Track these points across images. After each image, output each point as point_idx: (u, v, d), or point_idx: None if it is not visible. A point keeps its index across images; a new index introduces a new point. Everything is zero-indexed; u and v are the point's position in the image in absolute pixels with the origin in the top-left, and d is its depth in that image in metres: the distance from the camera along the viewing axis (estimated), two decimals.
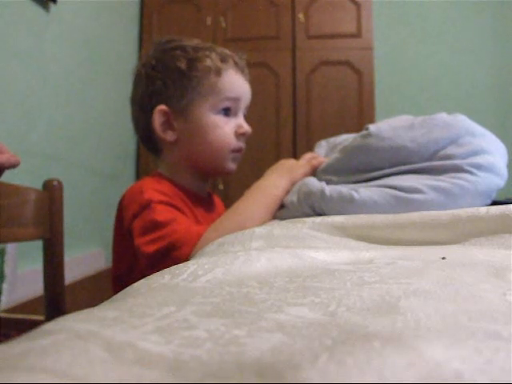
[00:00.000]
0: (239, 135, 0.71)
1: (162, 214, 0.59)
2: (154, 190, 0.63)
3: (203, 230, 0.59)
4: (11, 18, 1.35)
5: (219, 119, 0.68)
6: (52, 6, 1.56)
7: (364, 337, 0.14)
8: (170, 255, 0.57)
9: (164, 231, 0.58)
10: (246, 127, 0.71)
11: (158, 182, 0.67)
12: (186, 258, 0.55)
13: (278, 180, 0.65)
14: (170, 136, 0.68)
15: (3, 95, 1.32)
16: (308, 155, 0.72)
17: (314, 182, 0.59)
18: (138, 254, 0.60)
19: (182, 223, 0.60)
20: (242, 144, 0.72)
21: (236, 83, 0.70)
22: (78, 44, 1.79)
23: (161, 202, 0.61)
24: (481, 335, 0.14)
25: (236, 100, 0.70)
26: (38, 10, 1.49)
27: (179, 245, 0.57)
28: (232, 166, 0.72)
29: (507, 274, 0.22)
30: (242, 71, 0.72)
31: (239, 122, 0.71)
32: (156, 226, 0.59)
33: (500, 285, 0.20)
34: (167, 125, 0.68)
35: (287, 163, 0.72)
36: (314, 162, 0.68)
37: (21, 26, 1.40)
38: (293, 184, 0.64)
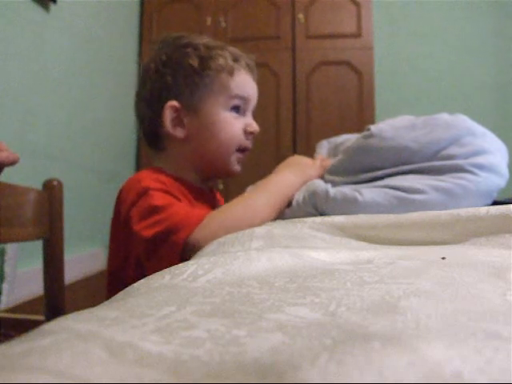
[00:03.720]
0: (248, 134, 0.71)
1: (159, 199, 0.59)
2: (151, 179, 0.63)
3: (204, 213, 0.59)
4: (11, 17, 1.35)
5: (231, 116, 0.69)
6: (52, 5, 1.56)
7: (364, 337, 0.14)
8: (168, 239, 0.56)
9: (162, 215, 0.57)
10: (255, 126, 0.71)
11: (156, 173, 0.67)
12: (185, 242, 0.55)
13: (290, 177, 0.65)
14: (179, 132, 0.68)
15: (3, 95, 1.32)
16: (320, 157, 0.72)
17: (319, 183, 0.59)
18: (135, 242, 0.59)
19: (181, 207, 0.59)
20: (249, 144, 0.72)
21: (247, 83, 0.70)
22: (78, 44, 1.79)
23: (158, 189, 0.61)
24: (481, 335, 0.14)
25: (246, 99, 0.70)
26: (38, 10, 1.49)
27: (178, 228, 0.56)
28: (237, 167, 0.72)
29: (507, 274, 0.22)
30: (252, 72, 0.72)
31: (248, 121, 0.71)
32: (154, 210, 0.58)
33: (500, 285, 0.20)
34: (177, 121, 0.68)
35: (302, 161, 0.71)
36: (325, 164, 0.68)
37: (21, 25, 1.40)
38: (304, 183, 0.64)
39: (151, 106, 0.69)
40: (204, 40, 0.71)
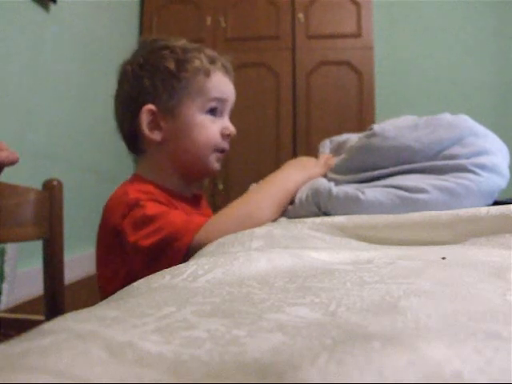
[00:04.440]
0: (225, 136, 0.71)
1: (152, 209, 0.59)
2: (137, 190, 0.63)
3: (203, 220, 0.59)
4: (11, 17, 1.35)
5: (206, 119, 0.69)
6: (52, 5, 1.56)
7: (364, 337, 0.14)
8: (171, 246, 0.56)
9: (159, 223, 0.57)
10: (232, 128, 0.72)
11: (140, 184, 0.67)
12: (189, 246, 0.55)
13: (293, 175, 0.66)
14: (156, 135, 0.68)
15: (3, 95, 1.32)
16: (325, 156, 0.73)
17: (322, 182, 0.60)
18: (131, 254, 0.59)
19: (177, 216, 0.60)
20: (226, 145, 0.72)
21: (223, 85, 0.71)
22: (78, 44, 1.79)
23: (148, 200, 0.61)
24: (481, 335, 0.14)
25: (223, 101, 0.70)
26: (38, 9, 1.49)
27: (180, 235, 0.56)
28: (216, 165, 0.72)
29: (507, 274, 0.22)
30: (229, 74, 0.73)
31: (225, 124, 0.71)
32: (149, 219, 0.58)
33: (500, 285, 0.20)
34: (154, 124, 0.68)
35: (306, 161, 0.72)
36: (330, 163, 0.68)
37: (21, 25, 1.40)
38: (308, 180, 0.65)
39: (129, 110, 0.69)
40: (181, 42, 0.71)
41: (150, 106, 0.67)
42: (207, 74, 0.68)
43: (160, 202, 0.62)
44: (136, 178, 0.70)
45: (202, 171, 0.73)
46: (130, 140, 0.72)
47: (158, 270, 0.58)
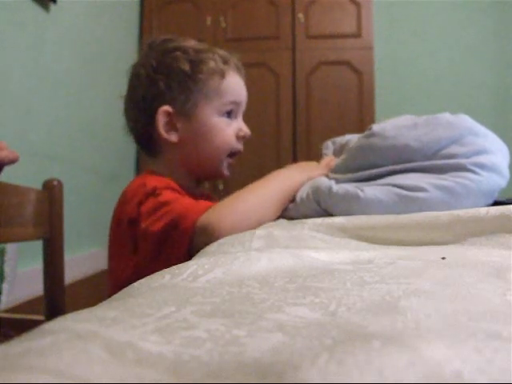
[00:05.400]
0: (240, 138, 0.72)
1: (166, 196, 0.60)
2: (155, 180, 0.64)
3: (210, 204, 0.59)
4: (11, 17, 1.35)
5: (223, 121, 0.70)
6: (52, 5, 1.56)
7: (364, 337, 0.14)
8: (178, 227, 0.56)
9: (168, 208, 0.58)
10: (246, 130, 0.73)
11: (158, 176, 0.67)
12: (195, 226, 0.55)
13: (294, 174, 0.67)
14: (173, 137, 0.69)
15: (3, 95, 1.32)
16: (328, 158, 0.73)
17: (323, 180, 0.60)
18: (142, 240, 0.59)
19: (186, 200, 0.60)
20: (240, 147, 0.73)
21: (238, 86, 0.72)
22: (78, 44, 1.79)
23: (165, 188, 0.61)
24: (481, 335, 0.14)
25: (238, 104, 0.71)
26: (38, 9, 1.49)
27: (185, 215, 0.56)
28: (226, 172, 0.73)
29: (507, 274, 0.22)
30: (241, 73, 0.73)
31: (240, 125, 0.72)
32: (161, 205, 0.58)
33: (500, 285, 0.20)
34: (170, 126, 0.69)
35: (306, 163, 0.74)
36: (331, 164, 0.69)
37: (21, 25, 1.40)
38: (309, 180, 0.65)
39: (145, 112, 0.70)
40: (191, 43, 0.71)
41: (167, 108, 0.67)
42: (222, 74, 0.69)
43: (175, 190, 0.62)
44: (152, 172, 0.70)
45: (213, 174, 0.74)
46: (143, 141, 0.73)
47: (167, 255, 0.58)
